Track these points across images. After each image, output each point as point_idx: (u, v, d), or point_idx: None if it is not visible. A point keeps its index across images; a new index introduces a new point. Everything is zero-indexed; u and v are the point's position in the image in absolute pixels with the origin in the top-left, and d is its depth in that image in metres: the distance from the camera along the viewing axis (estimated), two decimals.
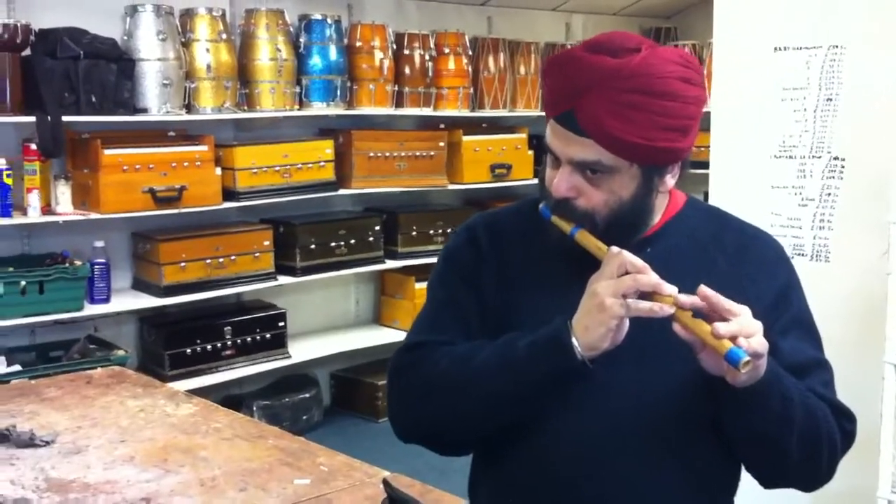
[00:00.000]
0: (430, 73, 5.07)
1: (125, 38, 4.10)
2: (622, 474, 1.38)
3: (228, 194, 4.39)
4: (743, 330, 1.23)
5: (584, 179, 1.36)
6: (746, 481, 1.48)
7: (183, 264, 4.25)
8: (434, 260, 1.63)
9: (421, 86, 5.03)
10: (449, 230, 5.11)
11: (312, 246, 4.71)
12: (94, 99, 3.87)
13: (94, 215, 3.98)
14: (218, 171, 4.29)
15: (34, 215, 3.84)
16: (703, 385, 1.31)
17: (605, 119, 1.30)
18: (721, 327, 1.22)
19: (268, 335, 4.61)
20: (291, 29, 4.59)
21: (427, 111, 5.09)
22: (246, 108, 4.48)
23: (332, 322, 5.24)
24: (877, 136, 2.54)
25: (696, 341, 1.26)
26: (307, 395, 4.89)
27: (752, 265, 1.44)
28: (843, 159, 2.61)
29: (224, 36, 4.31)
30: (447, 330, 1.45)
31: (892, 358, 2.24)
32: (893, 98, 2.49)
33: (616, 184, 1.35)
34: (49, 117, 3.72)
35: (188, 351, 4.33)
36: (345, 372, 5.23)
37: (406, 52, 4.98)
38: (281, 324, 4.67)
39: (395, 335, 5.07)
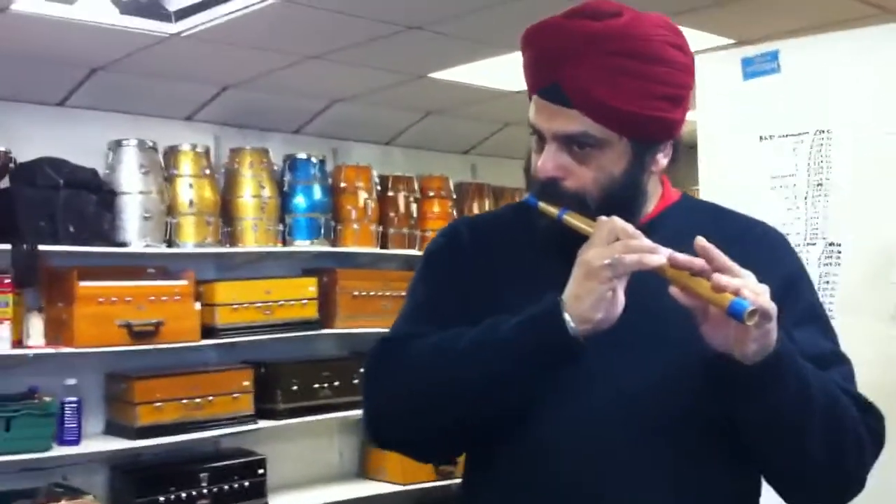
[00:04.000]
0: (415, 215, 5.06)
1: (107, 171, 4.08)
2: (629, 469, 1.23)
3: (208, 331, 4.26)
4: (748, 284, 1.11)
5: (571, 157, 1.27)
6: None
7: (159, 404, 4.05)
8: None
9: (405, 227, 5.01)
10: None
11: (294, 387, 4.53)
12: (72, 229, 3.80)
13: (66, 349, 3.83)
14: (197, 305, 4.17)
15: (4, 347, 3.69)
16: (714, 377, 1.18)
17: (592, 86, 1.23)
18: (722, 278, 1.11)
19: (246, 483, 4.35)
20: (276, 168, 4.60)
21: (413, 251, 5.04)
22: (228, 244, 4.42)
23: (315, 474, 4.97)
24: (872, 219, 2.48)
25: (697, 307, 1.15)
26: None
27: (756, 254, 1.33)
28: (839, 244, 2.54)
29: (207, 172, 4.30)
30: (427, 328, 1.33)
31: None
32: (883, 179, 2.45)
33: (606, 159, 1.27)
34: (25, 245, 3.64)
35: (161, 499, 4.06)
36: None
37: (391, 193, 4.98)
38: (260, 471, 4.42)
39: (383, 488, 4.81)
